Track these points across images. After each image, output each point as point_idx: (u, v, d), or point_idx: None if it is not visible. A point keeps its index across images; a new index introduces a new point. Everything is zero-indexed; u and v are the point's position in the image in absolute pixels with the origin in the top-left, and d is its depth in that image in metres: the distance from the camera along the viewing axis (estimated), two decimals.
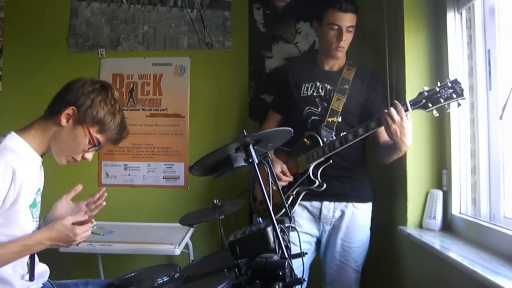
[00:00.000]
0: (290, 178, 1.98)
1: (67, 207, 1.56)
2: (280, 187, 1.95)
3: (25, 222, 1.35)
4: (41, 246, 1.34)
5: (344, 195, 2.01)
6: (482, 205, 1.73)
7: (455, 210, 1.87)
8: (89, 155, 1.47)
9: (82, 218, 1.42)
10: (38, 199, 1.45)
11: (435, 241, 1.72)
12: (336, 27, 1.96)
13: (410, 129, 1.69)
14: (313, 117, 2.04)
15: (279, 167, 1.99)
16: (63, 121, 1.39)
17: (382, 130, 1.80)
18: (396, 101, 1.69)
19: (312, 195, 1.99)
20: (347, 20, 1.94)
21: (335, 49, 2.00)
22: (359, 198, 2.03)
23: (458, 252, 1.54)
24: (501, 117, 1.57)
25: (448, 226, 1.88)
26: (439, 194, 1.91)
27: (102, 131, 1.44)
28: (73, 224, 1.38)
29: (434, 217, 1.89)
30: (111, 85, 1.49)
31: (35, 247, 1.33)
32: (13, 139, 1.37)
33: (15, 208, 1.31)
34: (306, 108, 2.05)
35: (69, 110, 1.38)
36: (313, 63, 2.14)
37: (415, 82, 1.96)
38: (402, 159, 1.98)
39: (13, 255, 1.30)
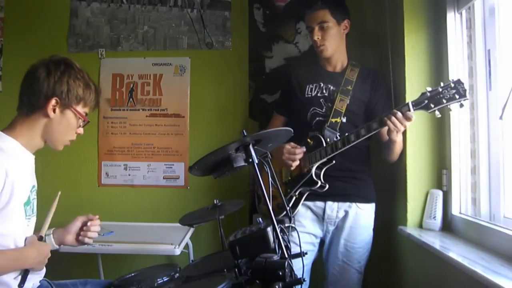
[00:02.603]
0: (303, 149, 1.95)
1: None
2: (297, 161, 1.93)
3: (17, 220, 1.35)
4: (30, 260, 1.35)
5: (347, 195, 2.01)
6: (482, 205, 1.73)
7: (455, 210, 1.87)
8: (81, 130, 1.51)
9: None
10: (33, 196, 1.45)
11: (435, 241, 1.72)
12: (309, 29, 2.05)
13: None
14: (317, 118, 2.04)
15: (287, 145, 1.95)
16: (51, 113, 1.39)
17: (384, 131, 1.80)
18: (407, 112, 1.68)
19: (316, 195, 1.98)
20: (316, 18, 2.00)
21: (316, 48, 2.05)
22: (363, 199, 2.03)
23: (458, 252, 1.54)
24: (501, 117, 1.56)
25: (448, 226, 1.88)
26: (439, 194, 1.91)
27: (86, 105, 1.47)
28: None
29: (434, 217, 1.89)
30: (69, 58, 1.48)
31: (26, 260, 1.34)
32: (3, 139, 1.37)
33: (9, 207, 1.31)
34: (311, 109, 2.05)
35: (52, 102, 1.39)
36: (316, 64, 2.14)
37: (415, 82, 1.96)
38: (402, 159, 1.98)
39: (7, 262, 1.30)
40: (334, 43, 2.02)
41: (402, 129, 1.70)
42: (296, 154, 1.93)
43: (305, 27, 2.55)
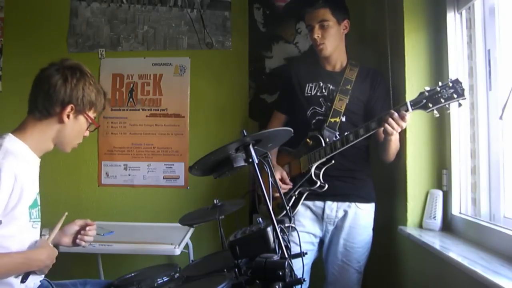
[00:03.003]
0: (289, 185, 1.99)
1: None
2: (276, 194, 1.96)
3: (22, 223, 1.36)
4: (39, 263, 1.35)
5: (347, 195, 2.01)
6: (482, 205, 1.73)
7: (455, 210, 1.87)
8: (87, 133, 1.54)
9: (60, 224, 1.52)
10: (39, 199, 1.46)
11: (435, 241, 1.72)
12: (309, 27, 2.04)
13: None
14: (317, 117, 2.04)
15: (278, 174, 2.01)
16: (66, 119, 1.42)
17: (380, 130, 1.80)
18: (402, 112, 1.67)
19: (315, 195, 1.99)
20: (317, 16, 2.00)
21: (316, 47, 2.05)
22: (362, 198, 2.03)
23: (458, 252, 1.54)
24: (501, 117, 1.57)
25: (448, 226, 1.88)
26: (439, 194, 1.91)
27: (96, 110, 1.51)
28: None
29: (434, 217, 1.90)
30: (80, 63, 1.50)
31: (34, 263, 1.35)
32: (12, 142, 1.37)
33: (16, 211, 1.31)
34: (311, 108, 2.05)
35: (68, 108, 1.42)
36: (316, 63, 2.14)
37: (415, 82, 1.96)
38: (402, 159, 1.98)
39: (14, 265, 1.31)
40: (333, 42, 2.02)
41: (399, 129, 1.70)
42: (280, 187, 1.94)
43: (305, 26, 2.55)
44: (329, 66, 2.10)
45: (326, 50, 2.03)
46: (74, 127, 1.46)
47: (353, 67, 2.06)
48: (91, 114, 1.49)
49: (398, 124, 1.68)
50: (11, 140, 1.37)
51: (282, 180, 2.00)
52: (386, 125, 1.68)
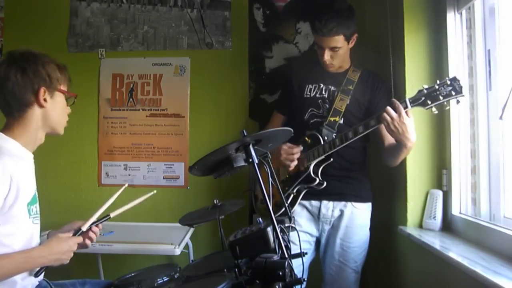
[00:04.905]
0: (300, 148, 1.95)
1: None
2: (296, 161, 1.93)
3: (21, 220, 1.36)
4: (42, 259, 1.34)
5: (343, 194, 2.01)
6: (482, 205, 1.73)
7: (455, 210, 1.87)
8: (69, 109, 1.55)
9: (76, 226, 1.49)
10: (37, 195, 1.46)
11: (435, 241, 1.73)
12: (319, 47, 1.99)
13: (412, 125, 1.70)
14: (315, 119, 2.04)
15: (284, 145, 1.94)
16: (44, 103, 1.41)
17: (386, 133, 1.80)
18: (393, 99, 1.70)
19: (312, 194, 1.99)
20: (329, 42, 1.92)
21: (323, 64, 2.01)
22: (358, 198, 2.03)
23: (458, 252, 1.54)
24: (501, 117, 1.57)
25: (448, 226, 1.89)
26: (439, 194, 1.91)
27: (64, 83, 1.50)
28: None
29: (434, 217, 1.90)
30: (29, 48, 1.48)
31: (37, 260, 1.34)
32: (5, 140, 1.37)
33: (14, 209, 1.31)
34: (309, 110, 2.05)
35: (41, 92, 1.41)
36: (318, 64, 2.12)
37: (415, 82, 1.96)
38: (402, 159, 1.98)
39: (16, 265, 1.29)
40: (341, 59, 2.01)
41: (396, 117, 1.67)
42: (293, 154, 1.93)
43: (304, 26, 2.56)
44: (333, 68, 2.08)
45: (333, 68, 2.03)
46: (56, 107, 1.46)
47: (355, 69, 2.06)
48: (65, 88, 1.49)
49: (397, 111, 1.66)
50: (3, 138, 1.37)
51: (290, 147, 1.94)
52: (385, 114, 1.67)
